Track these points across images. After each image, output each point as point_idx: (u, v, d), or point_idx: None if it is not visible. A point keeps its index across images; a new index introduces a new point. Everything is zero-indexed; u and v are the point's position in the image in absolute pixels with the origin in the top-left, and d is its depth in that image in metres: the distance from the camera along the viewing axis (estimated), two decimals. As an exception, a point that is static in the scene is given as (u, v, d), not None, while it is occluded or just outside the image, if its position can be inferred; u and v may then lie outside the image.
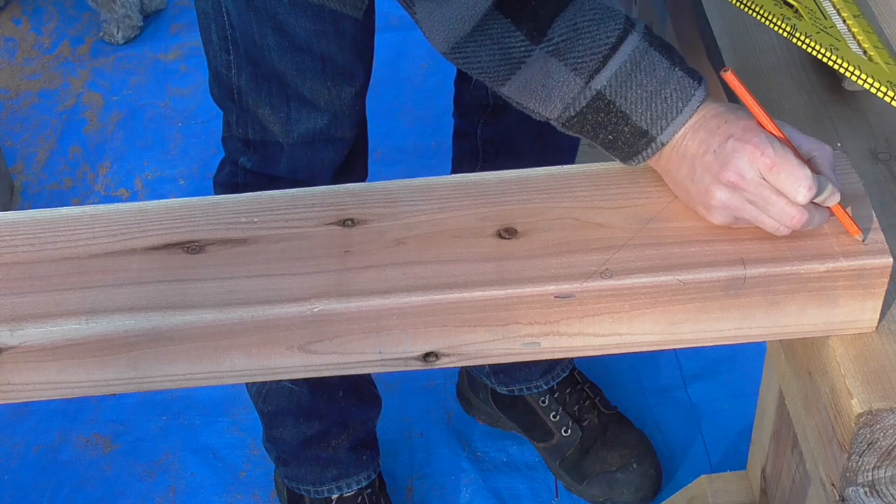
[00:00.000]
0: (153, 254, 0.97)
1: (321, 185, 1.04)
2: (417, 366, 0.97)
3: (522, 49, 0.95)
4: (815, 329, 0.97)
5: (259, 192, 1.03)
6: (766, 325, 0.97)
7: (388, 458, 1.91)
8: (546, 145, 1.59)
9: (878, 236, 0.95)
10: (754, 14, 1.12)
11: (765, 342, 1.10)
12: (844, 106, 1.16)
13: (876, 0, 1.24)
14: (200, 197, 1.03)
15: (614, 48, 0.94)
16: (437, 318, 0.94)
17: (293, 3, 1.29)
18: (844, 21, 1.16)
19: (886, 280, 0.94)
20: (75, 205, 2.23)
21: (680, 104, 0.95)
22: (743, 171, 0.92)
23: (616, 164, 1.02)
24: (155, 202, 1.02)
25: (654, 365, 2.06)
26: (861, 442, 0.93)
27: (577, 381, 1.92)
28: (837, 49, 1.08)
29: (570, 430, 1.88)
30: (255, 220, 1.00)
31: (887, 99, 1.06)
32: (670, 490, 1.83)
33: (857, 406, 0.91)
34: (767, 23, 1.11)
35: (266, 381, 1.63)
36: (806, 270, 0.93)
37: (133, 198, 2.45)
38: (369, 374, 1.77)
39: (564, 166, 1.04)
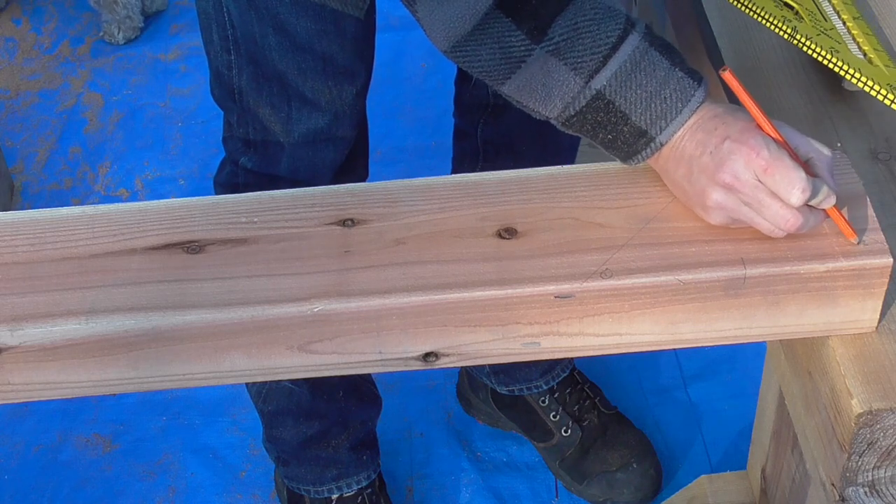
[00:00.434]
0: (153, 254, 0.97)
1: (322, 184, 1.04)
2: (417, 366, 0.97)
3: (523, 48, 0.95)
4: (815, 329, 0.97)
5: (259, 192, 1.03)
6: (766, 325, 0.97)
7: (388, 458, 1.91)
8: (546, 145, 1.59)
9: (878, 236, 0.95)
10: (755, 16, 1.12)
11: (765, 342, 1.10)
12: (844, 106, 1.16)
13: (876, 0, 1.24)
14: (200, 197, 1.03)
15: (614, 48, 0.94)
16: (437, 318, 0.94)
17: (294, 3, 1.29)
18: (844, 23, 1.16)
19: (886, 280, 0.94)
20: (75, 205, 2.23)
21: (679, 105, 0.95)
22: (738, 172, 0.92)
23: (616, 164, 1.02)
24: (155, 202, 1.02)
25: (654, 365, 2.06)
26: (861, 442, 0.93)
27: (577, 381, 1.92)
28: (838, 51, 1.08)
29: (570, 430, 1.88)
30: (255, 220, 1.00)
31: (887, 102, 1.06)
32: (670, 490, 1.83)
33: (857, 406, 0.91)
34: (768, 24, 1.11)
35: (266, 381, 1.63)
36: (806, 270, 0.93)
37: (133, 198, 2.45)
38: (369, 374, 1.77)
39: (564, 166, 1.04)
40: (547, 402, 1.89)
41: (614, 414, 1.91)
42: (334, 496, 1.81)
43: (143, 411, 2.05)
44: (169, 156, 2.55)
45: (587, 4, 0.94)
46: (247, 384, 1.74)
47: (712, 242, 0.96)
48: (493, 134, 1.68)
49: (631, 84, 0.95)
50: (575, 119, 0.97)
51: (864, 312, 0.95)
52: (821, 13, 1.15)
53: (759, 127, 0.94)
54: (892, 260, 0.93)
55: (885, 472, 0.96)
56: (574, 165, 1.05)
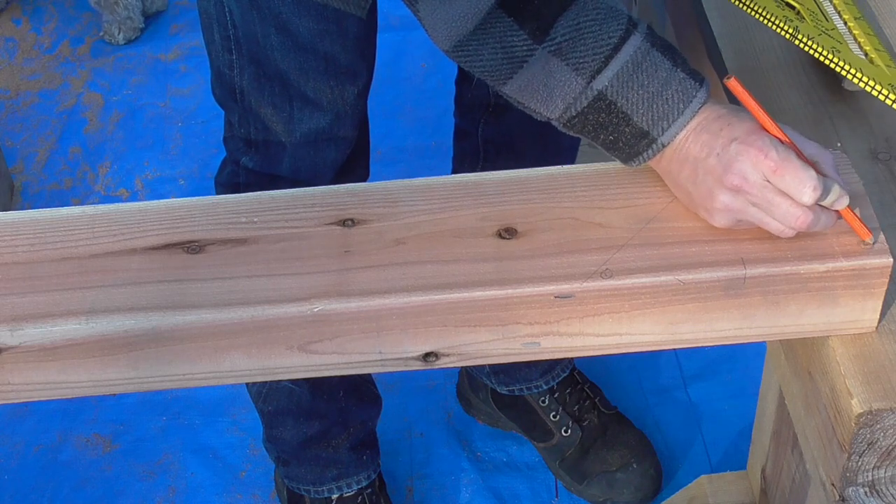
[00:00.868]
0: (153, 254, 0.97)
1: (323, 184, 1.04)
2: (417, 366, 0.97)
3: (525, 48, 0.94)
4: (815, 329, 0.97)
5: (259, 192, 1.03)
6: (766, 325, 0.97)
7: (388, 458, 1.91)
8: (547, 145, 1.59)
9: (877, 236, 0.95)
10: (757, 16, 1.12)
11: (765, 342, 1.10)
12: (844, 106, 1.16)
13: (876, 1, 1.24)
14: (200, 197, 1.03)
15: (616, 48, 0.94)
16: (437, 318, 0.94)
17: (297, 3, 1.29)
18: (846, 23, 1.16)
19: (886, 280, 0.94)
20: (75, 205, 2.23)
21: (681, 105, 0.95)
22: (747, 174, 0.92)
23: (616, 164, 1.02)
24: (155, 202, 1.02)
25: (654, 365, 2.06)
26: (861, 442, 0.93)
27: (577, 381, 1.92)
28: (839, 51, 1.09)
29: (570, 430, 1.88)
30: (255, 220, 1.00)
31: (888, 102, 1.06)
32: (670, 490, 1.83)
33: (857, 406, 0.91)
34: (770, 24, 1.11)
35: (266, 381, 1.63)
36: (806, 270, 0.93)
37: (133, 198, 2.45)
38: (369, 374, 1.77)
39: (564, 166, 1.04)
40: (547, 402, 1.89)
41: (614, 414, 1.91)
42: (334, 496, 1.81)
43: (143, 411, 2.05)
44: (169, 156, 2.55)
45: (589, 4, 0.94)
46: (247, 384, 1.74)
47: (712, 242, 0.96)
48: (494, 134, 1.68)
49: (633, 85, 0.95)
50: (576, 120, 0.97)
51: (864, 312, 0.95)
52: (822, 13, 1.15)
53: (766, 128, 0.93)
54: (892, 260, 0.93)
55: (885, 472, 0.96)
56: (574, 165, 1.04)
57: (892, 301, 0.98)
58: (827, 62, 1.08)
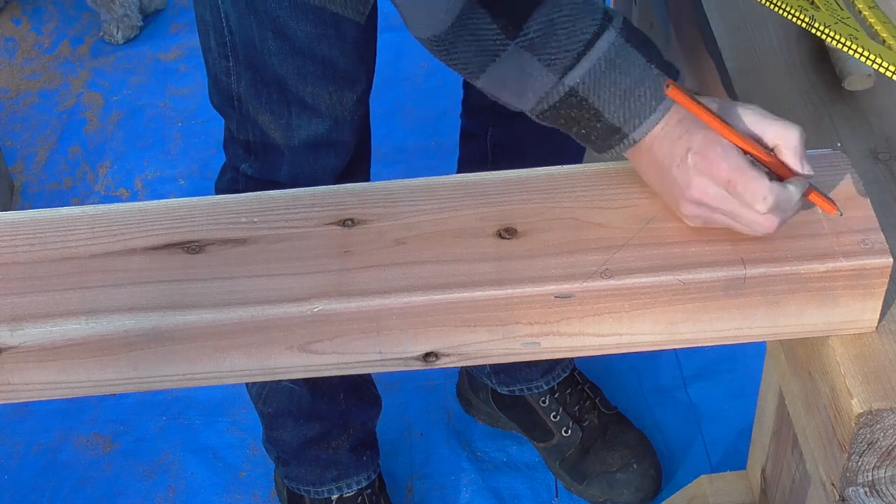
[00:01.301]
0: (153, 254, 0.97)
1: (323, 189, 1.04)
2: (417, 366, 0.97)
3: (497, 42, 0.94)
4: (815, 329, 0.97)
5: (259, 192, 1.03)
6: (766, 325, 0.97)
7: (388, 458, 1.91)
8: (554, 149, 1.59)
9: (878, 236, 0.95)
10: (771, 5, 1.11)
11: (765, 342, 1.10)
12: (844, 106, 1.16)
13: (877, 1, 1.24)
14: (200, 197, 1.03)
15: (589, 45, 0.93)
16: (437, 318, 0.94)
17: (294, 7, 1.28)
18: (860, 12, 1.15)
19: (886, 280, 0.94)
20: (75, 205, 2.23)
21: (654, 103, 0.94)
22: (706, 187, 0.92)
23: (616, 164, 1.02)
24: (155, 202, 1.02)
25: (654, 365, 2.06)
26: (861, 442, 0.93)
27: (577, 381, 1.92)
28: (857, 39, 1.07)
29: (570, 431, 1.88)
30: (255, 220, 1.00)
31: None
32: (670, 490, 1.83)
33: (857, 406, 0.91)
34: (786, 14, 1.10)
35: (266, 382, 1.63)
36: (806, 270, 0.93)
37: (133, 198, 2.45)
38: (369, 375, 1.77)
39: (564, 166, 1.04)
40: (547, 402, 1.89)
41: (614, 414, 1.91)
42: (334, 496, 1.81)
43: (143, 411, 2.05)
44: (169, 156, 2.55)
45: None
46: (247, 385, 1.74)
47: (712, 242, 0.95)
48: (503, 138, 1.67)
49: (605, 82, 0.94)
50: (549, 113, 0.97)
51: (864, 312, 0.95)
52: (836, 2, 1.14)
53: (720, 134, 0.93)
54: (892, 260, 0.93)
55: (885, 472, 0.96)
56: (574, 165, 1.04)
57: (892, 301, 0.98)
58: (845, 49, 1.07)
